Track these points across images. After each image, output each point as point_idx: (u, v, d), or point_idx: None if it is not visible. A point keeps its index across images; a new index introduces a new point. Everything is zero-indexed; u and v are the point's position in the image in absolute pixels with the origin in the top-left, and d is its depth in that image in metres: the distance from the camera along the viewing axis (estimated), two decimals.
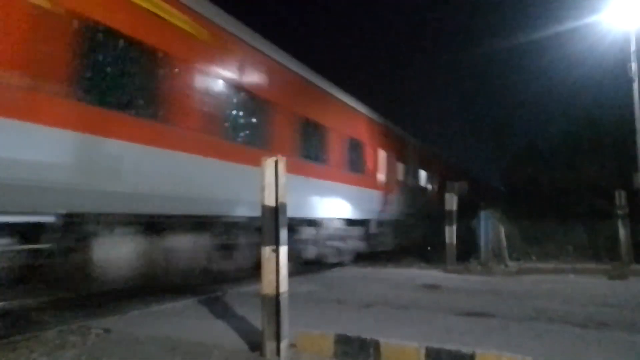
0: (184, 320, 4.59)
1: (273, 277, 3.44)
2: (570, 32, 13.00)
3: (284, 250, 3.50)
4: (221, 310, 5.00)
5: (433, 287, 6.61)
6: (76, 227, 4.85)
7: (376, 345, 3.43)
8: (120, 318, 4.67)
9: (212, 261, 6.82)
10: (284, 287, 3.47)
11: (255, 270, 5.16)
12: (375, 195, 12.30)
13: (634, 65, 10.74)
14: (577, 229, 10.57)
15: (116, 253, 5.34)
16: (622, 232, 8.79)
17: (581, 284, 6.81)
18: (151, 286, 6.14)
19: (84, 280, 4.99)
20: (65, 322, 4.42)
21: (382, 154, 12.76)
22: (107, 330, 4.12)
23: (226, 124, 7.02)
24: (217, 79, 6.86)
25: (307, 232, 9.16)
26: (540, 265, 9.05)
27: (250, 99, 7.57)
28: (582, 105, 15.03)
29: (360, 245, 11.49)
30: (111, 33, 5.24)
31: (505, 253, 9.25)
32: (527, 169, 14.95)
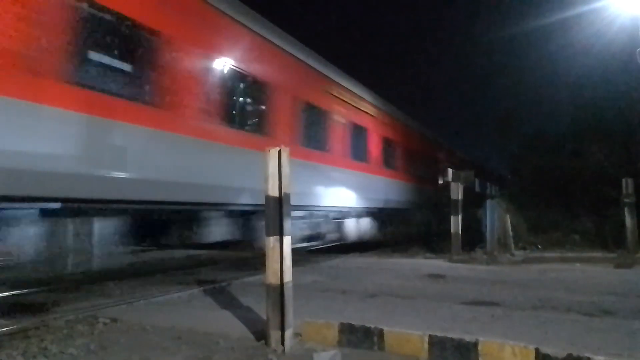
0: (189, 310, 4.64)
1: (277, 266, 3.46)
2: (577, 17, 12.79)
3: (287, 240, 3.51)
4: (226, 300, 5.04)
5: (438, 277, 6.62)
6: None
7: (380, 333, 3.46)
8: (127, 308, 4.73)
9: None
10: (288, 276, 3.49)
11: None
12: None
13: None
14: (583, 218, 10.51)
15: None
16: (629, 221, 8.72)
17: (587, 273, 6.79)
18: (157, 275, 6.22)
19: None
20: (73, 311, 4.47)
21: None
22: (114, 320, 4.17)
23: None
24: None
25: None
26: (546, 254, 9.03)
27: None
28: (589, 92, 14.78)
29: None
30: None
31: (511, 242, 9.23)
32: (533, 157, 14.85)
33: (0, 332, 3.82)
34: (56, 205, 4.47)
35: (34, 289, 5.49)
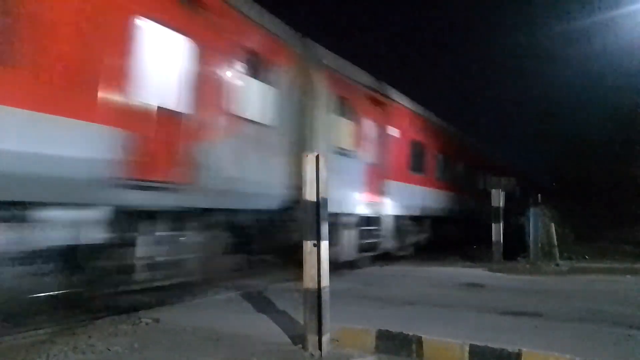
0: (227, 313, 4.72)
1: (314, 271, 3.48)
2: (623, 17, 12.24)
3: (325, 244, 3.53)
4: (263, 304, 5.10)
5: (478, 286, 6.44)
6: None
7: (419, 341, 3.41)
8: (168, 309, 4.87)
9: None
10: (325, 281, 3.50)
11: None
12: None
13: None
14: (635, 227, 9.99)
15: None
16: None
17: (638, 285, 6.45)
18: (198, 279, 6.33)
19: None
20: (117, 311, 4.63)
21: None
22: (156, 320, 4.30)
23: None
24: None
25: None
26: (594, 264, 8.63)
27: None
28: (636, 94, 14.05)
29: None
30: None
31: (556, 251, 8.88)
32: (577, 162, 14.28)
33: (53, 330, 4.01)
34: None
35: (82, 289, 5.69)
